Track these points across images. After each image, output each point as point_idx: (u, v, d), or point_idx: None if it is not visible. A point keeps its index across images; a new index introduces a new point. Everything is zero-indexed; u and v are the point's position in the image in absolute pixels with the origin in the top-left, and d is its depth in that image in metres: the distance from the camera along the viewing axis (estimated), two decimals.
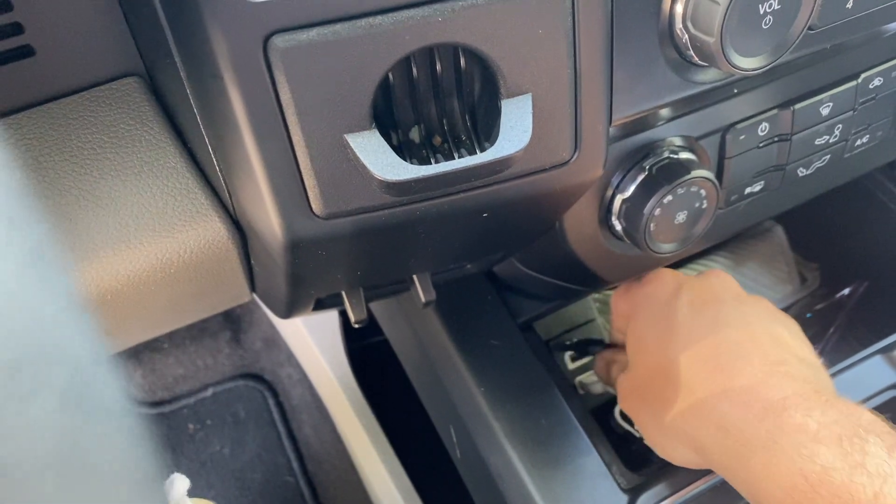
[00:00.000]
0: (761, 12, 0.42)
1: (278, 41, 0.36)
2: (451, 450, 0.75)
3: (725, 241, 0.87)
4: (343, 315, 0.93)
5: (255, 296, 0.64)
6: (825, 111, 0.59)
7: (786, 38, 0.43)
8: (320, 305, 0.63)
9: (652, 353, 0.61)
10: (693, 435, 0.56)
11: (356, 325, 0.60)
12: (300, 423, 1.33)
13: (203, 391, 1.35)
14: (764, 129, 0.58)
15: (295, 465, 1.32)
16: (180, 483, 0.50)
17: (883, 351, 0.70)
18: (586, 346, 0.79)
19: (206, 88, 0.39)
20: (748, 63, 0.43)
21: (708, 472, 0.63)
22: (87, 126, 0.47)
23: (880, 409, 0.66)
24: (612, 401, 0.75)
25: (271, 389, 1.35)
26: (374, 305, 0.86)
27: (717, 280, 0.63)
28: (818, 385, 0.53)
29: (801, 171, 0.62)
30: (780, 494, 0.48)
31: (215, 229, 0.48)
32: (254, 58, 0.36)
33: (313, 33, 0.36)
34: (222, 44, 0.36)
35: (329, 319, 1.03)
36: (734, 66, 0.43)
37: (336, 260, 0.48)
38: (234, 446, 1.35)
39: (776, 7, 0.42)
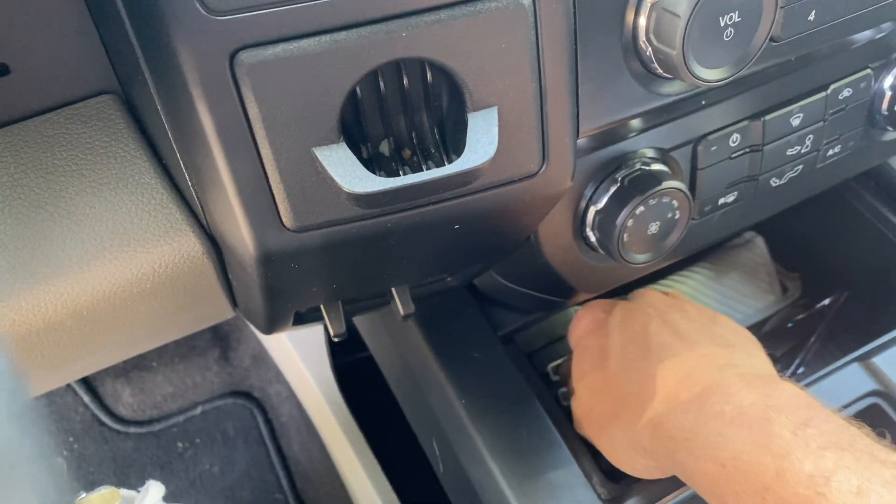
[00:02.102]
0: (722, 24, 0.42)
1: (245, 57, 0.36)
2: (434, 463, 0.75)
3: (706, 252, 0.88)
4: (328, 330, 0.93)
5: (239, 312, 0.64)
6: (795, 122, 0.60)
7: (748, 50, 0.44)
8: (301, 320, 0.63)
9: (591, 375, 0.63)
10: (639, 442, 0.56)
11: (336, 339, 0.60)
12: (289, 440, 1.33)
13: (192, 409, 1.34)
14: (735, 140, 0.59)
15: (284, 482, 1.31)
16: (155, 490, 0.50)
17: (861, 359, 0.70)
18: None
19: (176, 104, 0.39)
20: (711, 74, 0.44)
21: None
22: (62, 143, 0.48)
23: (860, 416, 0.66)
24: None
25: (260, 407, 1.35)
26: (357, 320, 0.87)
27: (643, 298, 0.66)
28: (745, 369, 0.54)
29: (774, 182, 0.63)
30: (706, 483, 0.49)
31: (190, 244, 0.49)
32: (221, 74, 0.37)
33: (279, 49, 0.37)
34: (189, 60, 0.36)
35: (315, 335, 1.03)
36: (697, 78, 0.43)
37: (310, 273, 0.48)
38: (224, 464, 1.34)
39: (737, 19, 0.43)
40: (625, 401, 0.58)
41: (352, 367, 1.02)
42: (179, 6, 0.35)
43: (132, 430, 1.32)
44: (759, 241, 0.89)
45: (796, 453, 0.45)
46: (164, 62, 0.38)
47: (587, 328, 0.68)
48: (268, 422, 1.34)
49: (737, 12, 0.43)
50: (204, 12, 0.35)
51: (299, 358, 1.16)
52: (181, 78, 0.37)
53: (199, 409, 1.34)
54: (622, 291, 0.81)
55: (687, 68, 0.43)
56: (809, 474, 0.44)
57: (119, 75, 0.48)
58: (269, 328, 0.64)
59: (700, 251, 0.87)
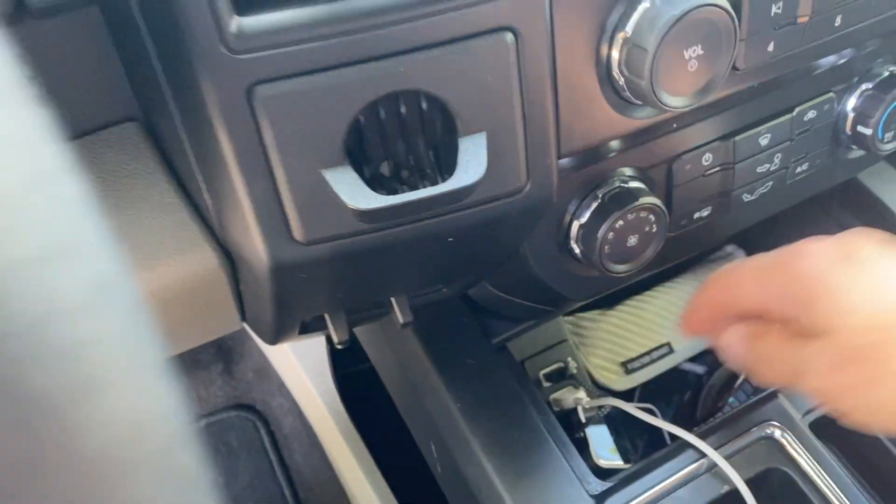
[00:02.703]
0: (686, 57, 0.47)
1: (261, 90, 0.41)
2: (432, 466, 0.79)
3: (690, 264, 0.92)
4: (330, 342, 0.97)
5: (245, 325, 0.69)
6: (764, 142, 0.65)
7: (711, 80, 0.49)
8: (305, 329, 0.68)
9: (866, 310, 0.48)
10: None
11: (339, 346, 0.65)
12: (291, 451, 1.37)
13: (196, 422, 1.38)
14: (708, 159, 0.64)
15: (287, 493, 1.35)
16: None
17: None
18: (563, 375, 0.84)
19: (199, 132, 0.44)
20: (678, 101, 0.49)
21: (672, 474, 0.67)
22: (90, 167, 0.53)
23: (830, 415, 0.71)
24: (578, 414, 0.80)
25: (263, 419, 1.39)
26: (359, 332, 0.91)
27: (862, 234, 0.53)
28: None
29: (746, 197, 0.68)
30: None
31: (208, 257, 0.53)
32: (240, 105, 0.41)
33: (292, 83, 0.42)
34: (212, 94, 0.41)
35: (318, 348, 1.07)
36: (665, 105, 0.48)
37: (318, 282, 0.53)
38: (227, 476, 1.37)
39: (700, 52, 0.48)
40: None
41: (353, 378, 1.07)
42: (204, 46, 0.40)
43: None
44: (740, 255, 0.94)
45: None
46: (189, 95, 0.42)
47: (828, 256, 0.52)
48: (270, 433, 1.38)
49: (699, 45, 0.48)
50: (226, 52, 0.40)
51: (302, 369, 1.20)
52: (204, 109, 0.42)
53: (202, 422, 1.38)
54: (607, 300, 0.86)
55: (655, 96, 0.47)
56: None
57: (141, 104, 0.53)
58: (276, 338, 0.68)
59: (684, 264, 0.92)
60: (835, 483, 0.66)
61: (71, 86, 0.51)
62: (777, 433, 0.69)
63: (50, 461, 0.20)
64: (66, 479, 0.20)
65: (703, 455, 0.68)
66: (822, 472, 0.67)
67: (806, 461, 0.67)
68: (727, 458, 0.67)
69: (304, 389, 1.24)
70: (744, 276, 0.56)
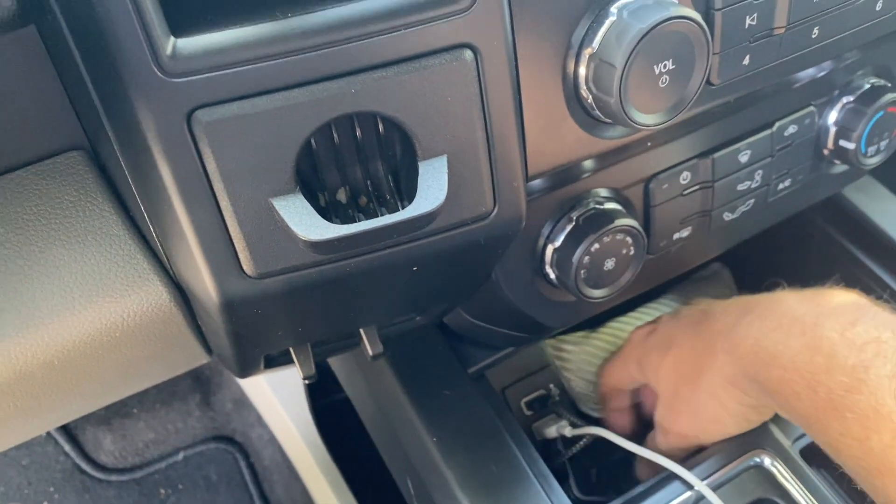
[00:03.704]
0: (657, 72, 0.45)
1: (201, 115, 0.38)
2: (409, 501, 0.76)
3: (673, 284, 0.90)
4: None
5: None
6: (744, 158, 0.63)
7: (683, 95, 0.47)
8: (272, 363, 0.64)
9: (665, 360, 0.69)
10: (723, 372, 0.62)
11: (306, 381, 0.61)
12: (272, 483, 1.33)
13: (174, 455, 1.34)
14: (686, 177, 0.61)
15: None
16: None
17: None
18: (545, 403, 0.81)
19: (138, 160, 0.41)
20: (649, 119, 0.46)
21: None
22: (32, 198, 0.50)
23: None
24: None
25: (242, 451, 1.35)
26: (332, 362, 0.88)
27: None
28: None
29: (727, 216, 0.65)
30: (773, 385, 0.58)
31: (157, 292, 0.50)
32: (179, 131, 0.39)
33: (234, 107, 0.39)
34: (149, 119, 0.38)
35: (294, 378, 1.04)
36: (636, 123, 0.46)
37: (274, 317, 0.50)
38: None
39: (671, 67, 0.45)
40: (703, 355, 0.64)
41: (331, 408, 1.03)
42: (138, 70, 0.37)
43: (114, 477, 1.32)
44: (726, 273, 0.91)
45: (842, 351, 0.53)
46: (125, 121, 0.40)
47: (638, 343, 0.74)
48: (250, 466, 1.34)
49: (671, 60, 0.45)
50: (161, 75, 0.37)
51: (278, 401, 1.17)
52: (142, 136, 0.39)
53: (181, 455, 1.34)
54: (586, 325, 0.83)
55: (626, 114, 0.45)
56: (853, 366, 0.52)
57: (87, 132, 0.50)
58: (242, 372, 0.65)
59: (667, 283, 0.89)
60: None
61: (9, 112, 0.48)
62: (767, 461, 0.66)
63: None
64: None
65: (691, 486, 0.65)
66: (814, 501, 0.64)
67: (797, 490, 0.64)
68: (715, 488, 0.64)
69: (282, 421, 1.20)
70: (612, 369, 0.78)
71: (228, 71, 0.38)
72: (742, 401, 0.63)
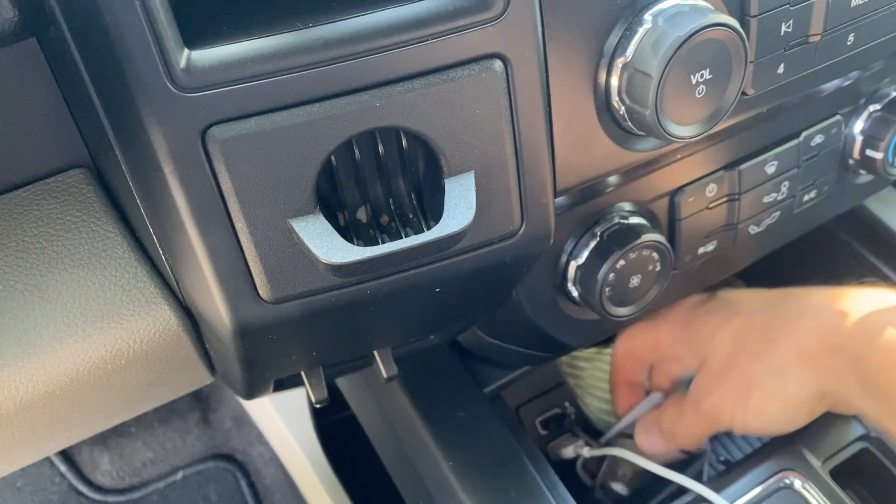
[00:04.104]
0: (694, 82, 0.43)
1: (216, 132, 0.36)
2: None
3: None
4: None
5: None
6: (770, 170, 0.61)
7: (720, 106, 0.45)
8: (281, 386, 0.62)
9: (724, 328, 0.65)
10: (803, 350, 0.58)
11: (318, 405, 0.59)
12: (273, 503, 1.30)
13: (173, 475, 1.31)
14: (712, 190, 0.59)
15: None
16: None
17: None
18: (560, 422, 0.79)
19: (147, 180, 0.39)
20: (685, 132, 0.44)
21: None
22: (33, 219, 0.47)
23: (851, 461, 0.66)
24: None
25: (243, 470, 1.32)
26: (340, 381, 0.85)
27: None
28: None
29: (753, 229, 0.63)
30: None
31: (165, 318, 0.47)
32: (193, 150, 0.36)
33: (251, 123, 0.36)
34: (160, 137, 0.36)
35: (297, 395, 1.01)
36: (671, 136, 0.44)
37: (289, 343, 0.47)
38: None
39: (708, 76, 0.43)
40: (781, 324, 0.60)
41: (335, 425, 1.01)
42: (149, 84, 0.35)
43: (111, 498, 1.28)
44: (740, 284, 0.89)
45: None
46: (135, 139, 0.37)
47: (692, 307, 0.69)
48: (251, 485, 1.31)
49: (708, 69, 0.43)
50: (174, 90, 0.35)
51: (281, 419, 1.14)
52: (153, 154, 0.37)
53: (180, 475, 1.31)
54: (608, 342, 0.80)
55: (661, 126, 0.43)
56: None
57: (90, 149, 0.47)
58: (249, 395, 0.62)
59: None
60: None
61: (9, 128, 0.45)
62: (797, 483, 0.64)
63: None
64: None
65: None
66: None
67: None
68: None
69: (284, 439, 1.17)
70: (639, 331, 0.72)
71: (246, 85, 0.35)
72: (809, 383, 0.59)
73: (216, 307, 0.42)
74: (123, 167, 0.40)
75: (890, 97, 0.65)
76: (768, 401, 0.61)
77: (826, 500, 0.63)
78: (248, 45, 0.35)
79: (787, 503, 0.63)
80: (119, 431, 1.32)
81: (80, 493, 1.27)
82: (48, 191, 0.47)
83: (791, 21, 0.48)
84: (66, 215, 0.47)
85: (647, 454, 0.69)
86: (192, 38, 0.35)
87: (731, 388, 0.62)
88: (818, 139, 0.63)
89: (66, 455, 1.28)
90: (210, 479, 1.31)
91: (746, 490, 0.63)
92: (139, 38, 0.34)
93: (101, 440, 1.31)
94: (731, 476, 0.65)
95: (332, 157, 0.40)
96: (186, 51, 0.34)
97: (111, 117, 0.38)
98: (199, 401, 1.34)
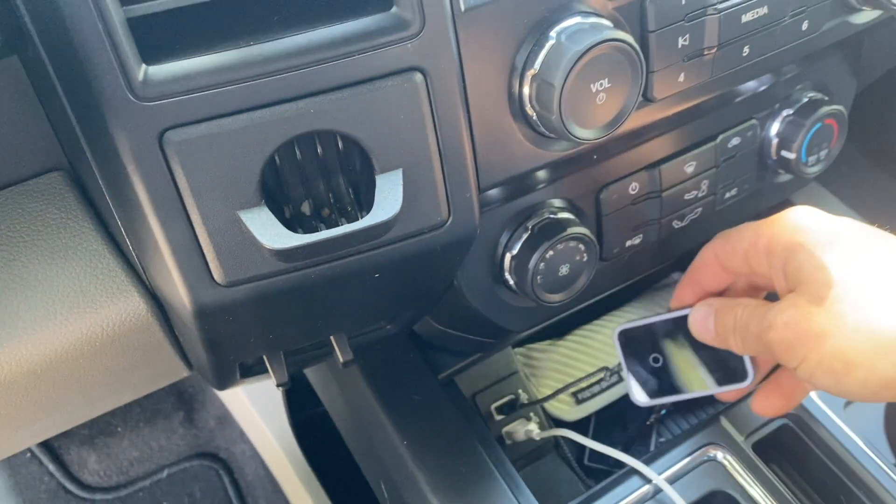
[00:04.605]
0: (594, 90, 0.49)
1: (172, 136, 0.42)
2: None
3: (636, 293, 0.94)
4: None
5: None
6: (689, 169, 0.67)
7: (620, 112, 0.51)
8: (248, 372, 0.67)
9: (857, 261, 0.53)
10: None
11: (279, 388, 0.64)
12: (255, 499, 1.35)
13: (159, 473, 1.36)
14: (635, 187, 0.65)
15: None
16: None
17: None
18: (513, 409, 0.84)
19: (114, 178, 0.45)
20: (588, 134, 0.50)
21: (618, 501, 0.67)
22: (16, 217, 0.53)
23: (772, 437, 0.72)
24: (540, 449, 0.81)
25: (226, 467, 1.37)
26: (309, 375, 0.91)
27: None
28: None
29: (677, 224, 0.69)
30: None
31: (135, 303, 0.53)
32: (151, 151, 0.42)
33: (202, 127, 0.42)
34: (123, 140, 0.42)
35: (274, 393, 1.06)
36: (577, 138, 0.50)
37: (245, 324, 0.53)
38: None
39: (607, 85, 0.49)
40: None
41: (310, 421, 1.06)
42: (112, 95, 0.40)
43: (98, 496, 1.33)
44: None
45: None
46: (102, 143, 0.43)
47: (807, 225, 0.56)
48: (234, 482, 1.36)
49: (606, 79, 0.49)
50: (134, 99, 0.41)
51: (259, 416, 1.19)
52: (117, 156, 0.42)
53: (165, 473, 1.36)
54: (557, 329, 0.86)
55: (566, 130, 0.49)
56: None
57: (66, 153, 0.53)
58: (219, 383, 0.68)
59: (633, 292, 0.93)
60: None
61: None
62: (720, 455, 0.69)
63: None
64: None
65: (649, 480, 0.68)
66: (766, 493, 0.67)
67: (749, 483, 0.68)
68: (671, 482, 0.68)
69: (263, 435, 1.22)
70: (743, 230, 0.61)
71: (196, 94, 0.41)
72: None
73: (177, 291, 0.48)
74: (94, 168, 0.46)
75: (801, 102, 0.71)
76: (877, 332, 0.51)
77: (747, 472, 0.69)
78: (197, 60, 0.41)
79: (710, 474, 0.69)
80: (106, 431, 1.37)
81: (69, 492, 1.32)
82: (30, 191, 0.53)
83: (687, 35, 0.54)
84: (46, 213, 0.53)
85: (694, 330, 0.64)
86: (150, 54, 0.41)
87: (835, 305, 0.52)
88: (735, 141, 0.69)
89: (54, 454, 1.33)
90: (195, 476, 1.36)
91: (674, 462, 0.69)
92: (103, 56, 0.40)
93: (89, 440, 1.36)
94: (661, 450, 0.70)
95: (277, 157, 0.46)
96: (144, 66, 0.40)
97: (82, 124, 0.44)
98: (184, 401, 1.40)
